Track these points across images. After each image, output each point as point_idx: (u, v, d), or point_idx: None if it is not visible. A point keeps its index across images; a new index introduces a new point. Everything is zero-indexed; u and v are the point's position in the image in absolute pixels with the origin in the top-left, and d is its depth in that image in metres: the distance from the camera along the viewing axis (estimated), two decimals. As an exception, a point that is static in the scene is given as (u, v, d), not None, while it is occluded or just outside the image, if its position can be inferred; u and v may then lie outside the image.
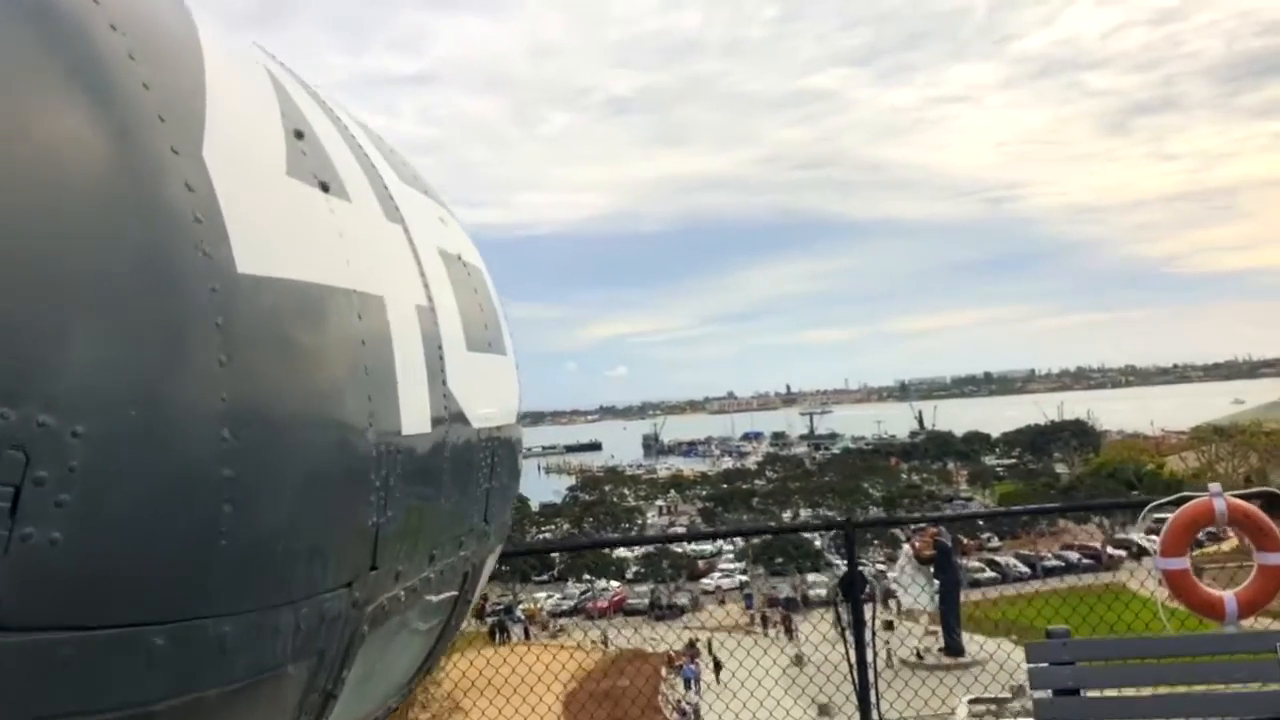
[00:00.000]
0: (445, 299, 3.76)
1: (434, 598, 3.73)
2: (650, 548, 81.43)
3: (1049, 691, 5.11)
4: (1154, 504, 6.76)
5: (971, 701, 7.43)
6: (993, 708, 7.38)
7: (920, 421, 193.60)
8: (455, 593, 4.07)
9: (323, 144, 3.06)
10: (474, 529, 4.00)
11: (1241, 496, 6.39)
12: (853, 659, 6.39)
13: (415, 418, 3.14)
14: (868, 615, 6.59)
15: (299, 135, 2.84)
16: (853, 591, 6.48)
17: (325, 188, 2.86)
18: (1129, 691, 5.30)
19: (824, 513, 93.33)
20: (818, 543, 77.84)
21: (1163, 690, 5.08)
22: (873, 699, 6.27)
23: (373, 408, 2.78)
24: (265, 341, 2.36)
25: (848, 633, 6.37)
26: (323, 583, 2.62)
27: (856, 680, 6.33)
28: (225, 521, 2.14)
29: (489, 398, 4.08)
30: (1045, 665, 5.21)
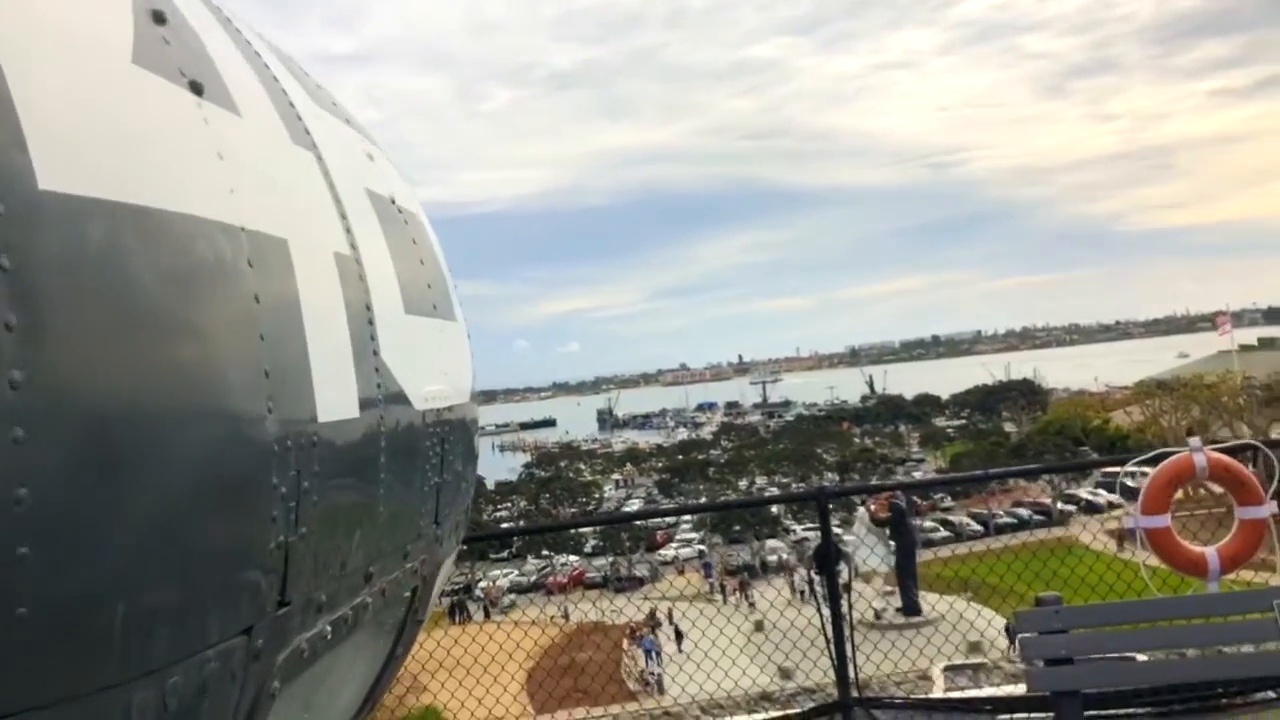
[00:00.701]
0: (375, 248, 2.92)
1: (373, 625, 2.96)
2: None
3: (1040, 661, 4.84)
4: (1134, 460, 6.53)
5: (946, 669, 7.18)
6: (969, 673, 7.13)
7: (871, 386, 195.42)
8: (402, 611, 3.33)
9: (198, 36, 2.28)
10: (422, 534, 3.25)
11: (1222, 450, 6.20)
12: (829, 633, 6.01)
13: (336, 399, 2.43)
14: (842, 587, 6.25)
15: (158, 19, 2.06)
16: (828, 564, 6.07)
17: (197, 89, 2.10)
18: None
19: (780, 480, 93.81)
20: (774, 509, 78.36)
21: (1160, 655, 4.88)
22: (851, 675, 5.97)
23: (272, 388, 2.07)
24: (89, 294, 1.61)
25: (824, 607, 6.01)
26: (203, 636, 1.87)
27: (834, 655, 5.97)
28: (22, 570, 1.43)
29: (436, 371, 3.34)
30: (1036, 635, 4.92)
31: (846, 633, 5.99)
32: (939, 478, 57.96)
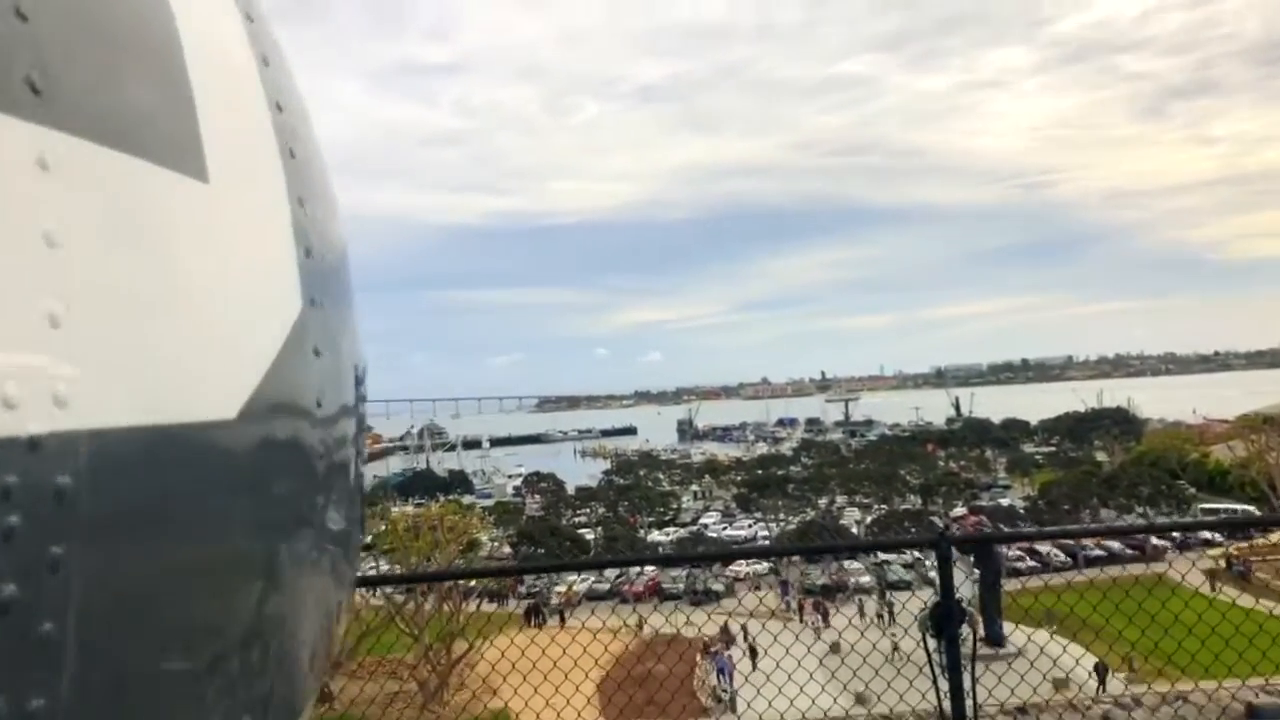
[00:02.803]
0: None
1: None
2: (685, 532, 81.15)
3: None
4: None
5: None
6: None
7: (957, 408, 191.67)
8: None
9: None
10: None
11: None
12: (946, 710, 4.86)
13: None
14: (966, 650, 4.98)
15: None
16: (950, 625, 4.81)
17: None
18: None
19: (861, 500, 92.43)
20: (854, 529, 77.25)
21: None
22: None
23: None
24: None
25: (940, 678, 4.87)
26: None
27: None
28: None
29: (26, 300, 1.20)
30: None
31: (969, 712, 4.88)
32: (1075, 529, 50.20)
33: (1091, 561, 57.01)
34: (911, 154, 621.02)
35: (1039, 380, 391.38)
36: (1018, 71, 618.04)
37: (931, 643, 4.85)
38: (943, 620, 4.75)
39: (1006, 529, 56.66)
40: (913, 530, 71.43)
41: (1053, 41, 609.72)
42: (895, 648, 31.08)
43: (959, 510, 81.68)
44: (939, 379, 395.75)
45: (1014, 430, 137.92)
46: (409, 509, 73.83)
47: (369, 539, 56.97)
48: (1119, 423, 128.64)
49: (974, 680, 4.82)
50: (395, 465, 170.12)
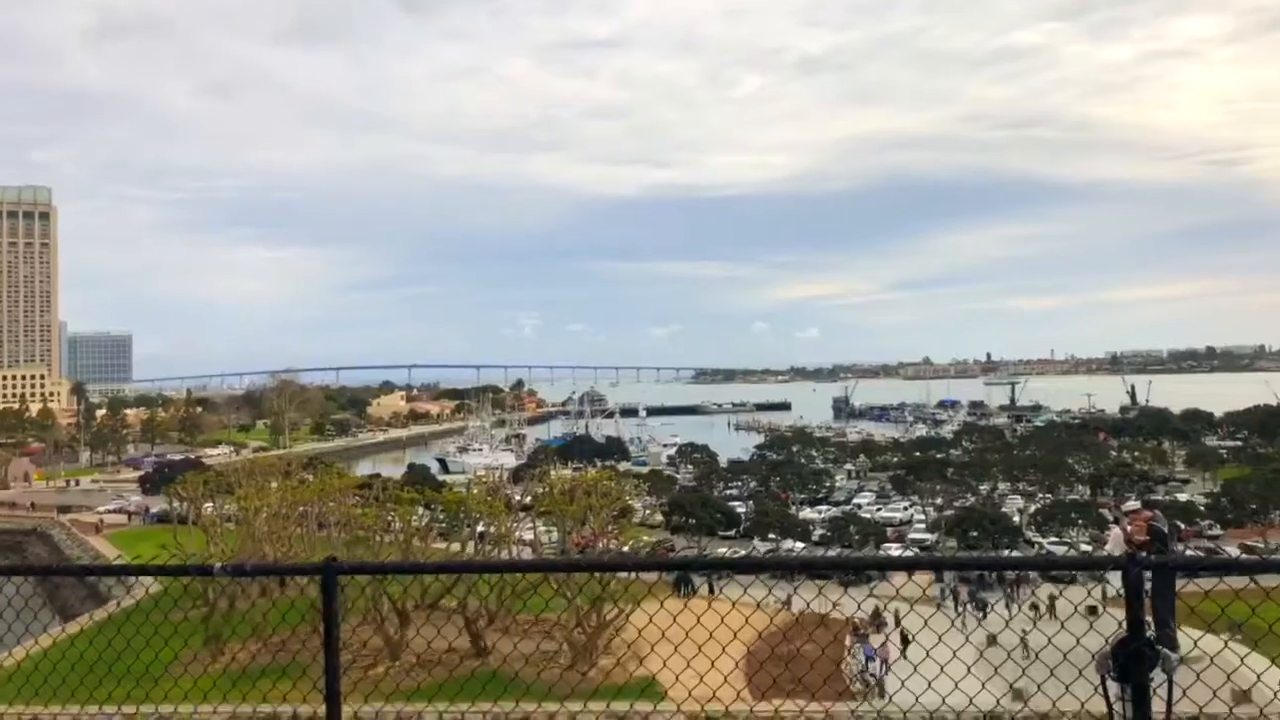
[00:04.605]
0: None
1: None
2: (837, 511, 79.98)
3: None
4: None
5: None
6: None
7: (1132, 396, 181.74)
8: None
9: None
10: None
11: None
12: None
13: None
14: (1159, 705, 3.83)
15: None
16: (1139, 670, 3.54)
17: None
18: None
19: (1025, 488, 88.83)
20: (1016, 519, 74.47)
21: None
22: None
23: None
24: None
25: None
26: None
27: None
28: None
29: None
30: None
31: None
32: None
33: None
34: (1088, 127, 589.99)
35: (1225, 370, 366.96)
36: (1209, 41, 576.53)
37: (1113, 687, 3.82)
38: (1130, 662, 3.62)
39: (1183, 525, 53.35)
40: (1079, 521, 68.31)
41: (1249, 8, 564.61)
42: (1024, 643, 29.88)
43: (1131, 504, 77.54)
44: (1114, 365, 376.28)
45: (1195, 422, 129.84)
46: (567, 472, 75.80)
47: (528, 500, 58.42)
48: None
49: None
50: (556, 429, 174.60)
